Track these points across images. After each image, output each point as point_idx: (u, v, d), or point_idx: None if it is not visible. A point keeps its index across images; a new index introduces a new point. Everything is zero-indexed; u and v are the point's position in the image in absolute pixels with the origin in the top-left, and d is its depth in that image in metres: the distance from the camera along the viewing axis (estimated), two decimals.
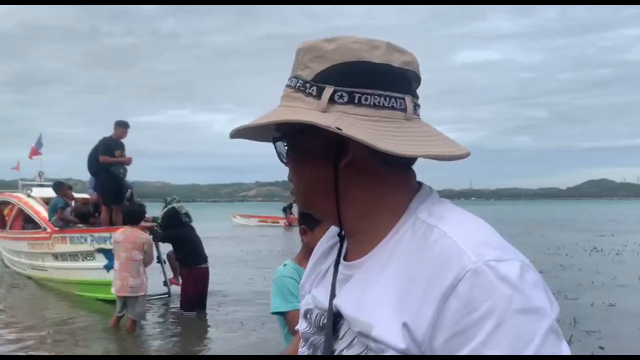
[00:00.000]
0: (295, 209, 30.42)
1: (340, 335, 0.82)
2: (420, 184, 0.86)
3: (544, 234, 22.86)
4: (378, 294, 0.76)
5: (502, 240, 0.75)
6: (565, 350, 0.69)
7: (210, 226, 22.48)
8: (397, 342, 0.71)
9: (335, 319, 0.84)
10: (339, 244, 0.91)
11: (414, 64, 0.83)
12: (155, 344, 6.92)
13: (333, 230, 0.99)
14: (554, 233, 23.82)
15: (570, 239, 20.08)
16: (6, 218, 13.33)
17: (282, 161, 0.89)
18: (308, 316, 0.93)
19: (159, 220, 8.86)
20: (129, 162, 9.36)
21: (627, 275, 11.06)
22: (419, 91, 0.86)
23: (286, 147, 0.87)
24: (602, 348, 6.08)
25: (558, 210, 66.09)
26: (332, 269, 0.91)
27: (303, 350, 0.92)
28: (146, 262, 7.04)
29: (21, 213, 12.20)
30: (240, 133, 0.86)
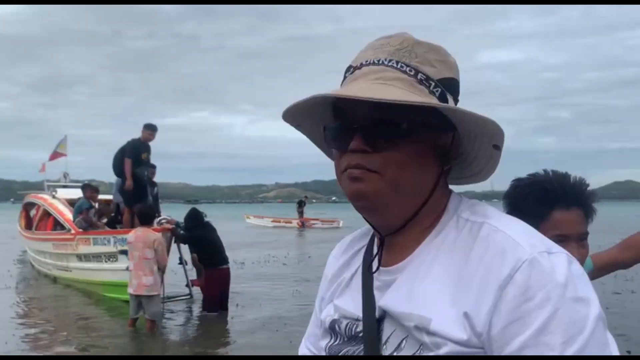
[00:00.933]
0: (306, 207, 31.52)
1: (384, 340, 0.82)
2: (451, 189, 0.91)
3: None
4: (431, 288, 0.78)
5: (543, 236, 0.79)
6: (611, 338, 0.73)
7: (224, 229, 22.25)
8: (458, 333, 0.73)
9: (380, 324, 0.83)
10: (375, 251, 0.89)
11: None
12: (176, 344, 6.98)
13: (348, 240, 1.00)
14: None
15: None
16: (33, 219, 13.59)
17: (333, 146, 0.85)
18: (336, 327, 0.90)
19: (182, 224, 8.94)
20: (152, 173, 9.57)
21: None
22: None
23: (378, 135, 0.80)
24: (629, 352, 5.97)
25: None
26: (357, 278, 0.91)
27: None
28: (159, 261, 7.01)
29: (47, 214, 12.39)
30: (294, 114, 0.84)
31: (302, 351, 1.01)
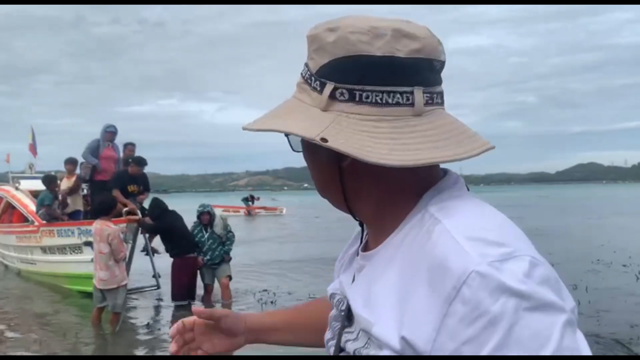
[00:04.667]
0: (257, 202, 35.19)
1: (353, 325, 0.81)
2: (446, 172, 0.82)
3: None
4: (380, 291, 0.74)
5: (512, 235, 0.70)
6: (583, 343, 0.66)
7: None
8: (394, 343, 0.69)
9: (351, 308, 0.83)
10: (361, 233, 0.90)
11: (426, 49, 0.75)
12: (143, 337, 6.92)
13: None
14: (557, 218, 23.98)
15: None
16: None
17: (294, 150, 0.87)
18: (332, 299, 0.92)
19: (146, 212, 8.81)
20: (141, 201, 9.22)
21: None
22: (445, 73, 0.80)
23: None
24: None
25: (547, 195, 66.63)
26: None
27: (327, 334, 0.91)
28: (115, 255, 6.88)
29: (10, 206, 12.08)
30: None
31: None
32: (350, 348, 0.79)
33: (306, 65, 0.80)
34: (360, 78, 0.74)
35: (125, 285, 7.16)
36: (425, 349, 0.66)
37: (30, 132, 14.37)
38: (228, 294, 8.38)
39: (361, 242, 0.89)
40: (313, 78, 0.77)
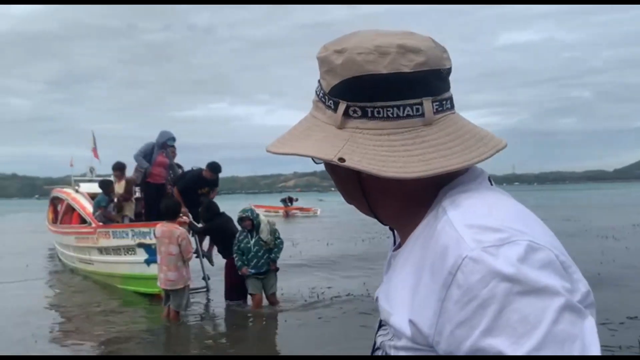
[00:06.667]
0: (295, 203, 36.70)
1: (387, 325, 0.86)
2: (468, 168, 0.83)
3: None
4: (398, 283, 0.80)
5: (515, 223, 0.71)
6: (590, 329, 0.64)
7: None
8: (406, 329, 0.74)
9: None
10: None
11: (431, 61, 0.78)
12: (197, 333, 7.07)
13: None
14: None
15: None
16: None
17: (316, 163, 0.90)
18: (377, 303, 0.96)
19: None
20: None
21: None
22: (455, 75, 0.83)
23: None
24: None
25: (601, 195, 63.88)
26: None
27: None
28: (184, 255, 7.10)
29: (71, 208, 12.54)
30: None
31: None
32: (379, 341, 0.85)
33: (319, 83, 0.85)
34: (370, 96, 0.78)
35: (189, 285, 7.37)
36: (429, 332, 0.70)
37: (92, 136, 14.95)
38: (276, 302, 8.03)
39: (394, 244, 0.94)
40: (327, 97, 0.82)
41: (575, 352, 0.62)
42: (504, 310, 0.63)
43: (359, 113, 0.79)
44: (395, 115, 0.78)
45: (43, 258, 14.89)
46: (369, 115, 0.78)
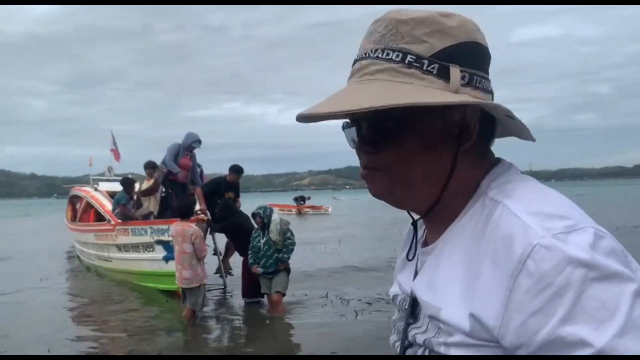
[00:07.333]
0: (307, 202, 37.03)
1: (419, 320, 0.82)
2: (499, 160, 0.84)
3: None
4: (446, 275, 0.76)
5: (574, 210, 0.71)
6: None
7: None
8: (464, 324, 0.70)
9: (415, 303, 0.84)
10: (419, 234, 0.90)
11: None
12: (213, 331, 7.13)
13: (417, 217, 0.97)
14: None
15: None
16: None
17: (353, 146, 0.83)
18: (396, 301, 0.93)
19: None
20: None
21: None
22: None
23: (375, 130, 0.78)
24: None
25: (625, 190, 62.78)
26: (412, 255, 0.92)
27: (392, 338, 0.91)
28: (197, 253, 7.15)
29: (89, 206, 12.72)
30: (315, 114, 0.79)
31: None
32: (420, 339, 0.80)
33: (401, 50, 0.75)
34: (475, 64, 0.77)
35: (205, 283, 7.43)
36: (495, 324, 0.67)
37: (111, 137, 15.13)
38: (280, 309, 7.60)
39: (413, 242, 0.90)
40: (427, 62, 0.74)
41: None
42: (581, 296, 0.61)
43: (467, 80, 0.76)
44: (488, 89, 0.79)
45: (61, 258, 15.04)
46: (474, 83, 0.76)
